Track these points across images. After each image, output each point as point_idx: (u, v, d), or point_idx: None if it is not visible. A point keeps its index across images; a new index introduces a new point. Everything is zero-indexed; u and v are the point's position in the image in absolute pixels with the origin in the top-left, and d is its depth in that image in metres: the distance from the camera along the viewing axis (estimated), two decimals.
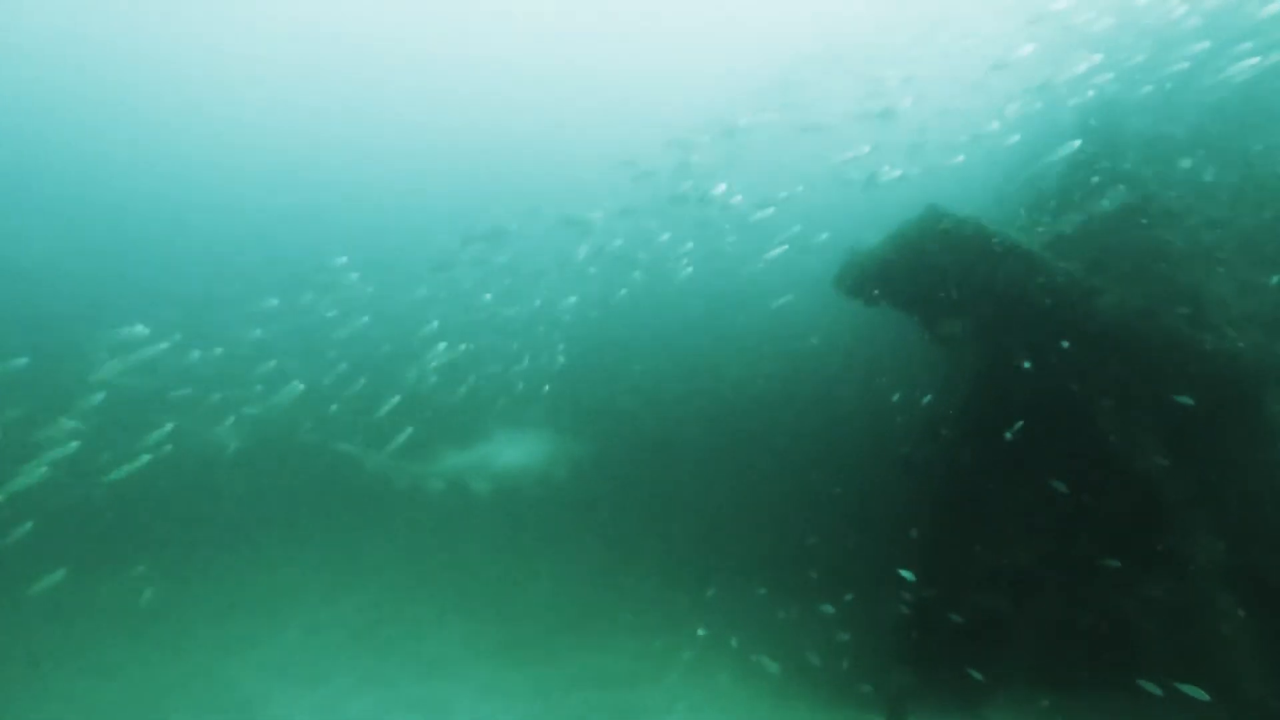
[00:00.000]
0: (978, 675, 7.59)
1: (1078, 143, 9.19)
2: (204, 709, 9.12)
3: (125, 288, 20.16)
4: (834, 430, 13.94)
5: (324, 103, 30.12)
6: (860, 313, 9.68)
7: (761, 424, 15.50)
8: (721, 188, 14.25)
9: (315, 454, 14.79)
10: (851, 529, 11.55)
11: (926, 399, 9.87)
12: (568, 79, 28.73)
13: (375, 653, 10.72)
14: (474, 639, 11.01)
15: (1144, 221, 8.59)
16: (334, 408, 15.07)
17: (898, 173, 11.89)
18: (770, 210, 14.31)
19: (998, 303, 8.17)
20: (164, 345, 11.63)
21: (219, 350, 14.64)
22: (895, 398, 10.99)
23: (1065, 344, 7.74)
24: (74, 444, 10.31)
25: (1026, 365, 7.93)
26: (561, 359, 16.97)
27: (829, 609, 9.25)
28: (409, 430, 13.41)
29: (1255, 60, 8.90)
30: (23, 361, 11.79)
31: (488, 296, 17.89)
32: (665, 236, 16.45)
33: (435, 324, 15.35)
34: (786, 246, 14.10)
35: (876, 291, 8.87)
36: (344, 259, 16.87)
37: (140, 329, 11.70)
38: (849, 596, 9.61)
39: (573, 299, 17.43)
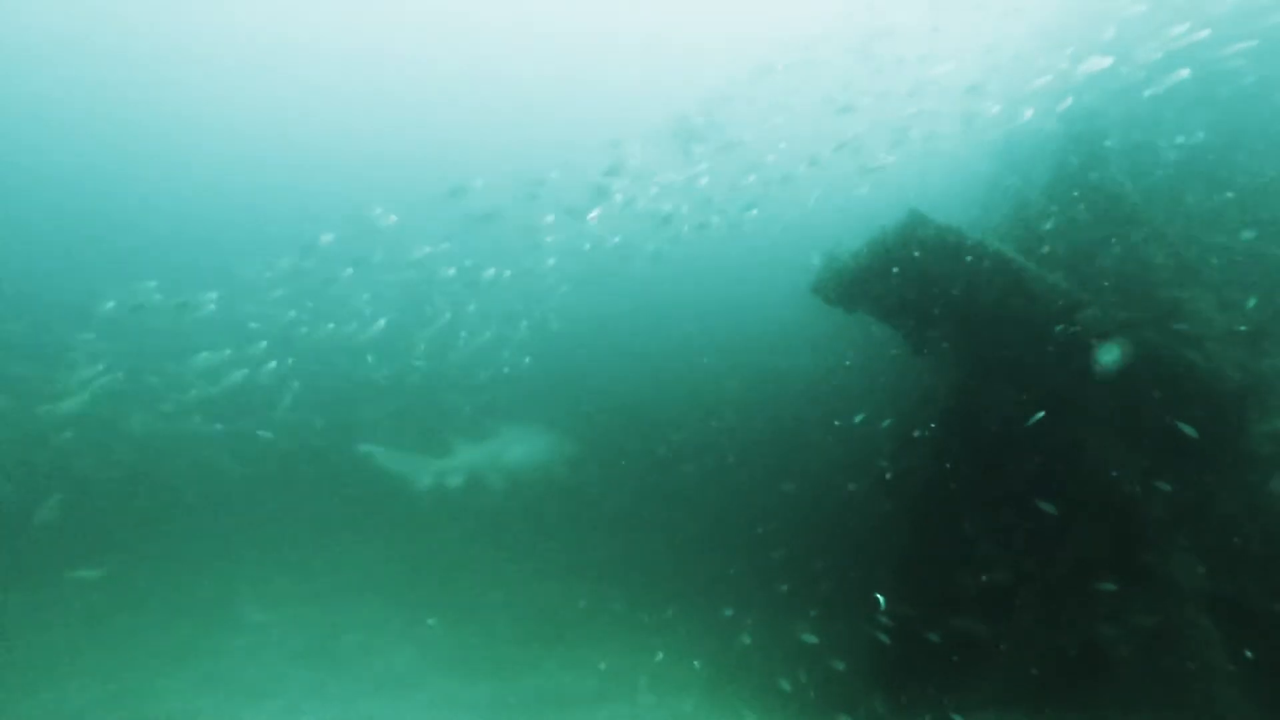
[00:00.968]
0: (954, 712, 7.30)
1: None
2: None
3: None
4: (806, 447, 13.72)
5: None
6: (840, 320, 9.43)
7: (732, 436, 15.25)
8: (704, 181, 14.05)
9: (271, 451, 14.26)
10: (824, 549, 11.25)
11: (887, 423, 9.63)
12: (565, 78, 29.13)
13: (327, 665, 10.21)
14: (430, 651, 10.57)
15: (1126, 236, 8.47)
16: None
17: (878, 172, 11.71)
18: (754, 212, 14.12)
19: (978, 314, 7.97)
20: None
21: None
22: (858, 419, 10.50)
23: (1046, 359, 7.53)
24: None
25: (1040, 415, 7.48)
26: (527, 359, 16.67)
27: (811, 639, 8.86)
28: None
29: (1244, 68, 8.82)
30: None
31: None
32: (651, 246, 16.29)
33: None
34: (765, 253, 13.93)
35: (854, 300, 8.62)
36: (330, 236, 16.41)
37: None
38: (813, 612, 9.27)
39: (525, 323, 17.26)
